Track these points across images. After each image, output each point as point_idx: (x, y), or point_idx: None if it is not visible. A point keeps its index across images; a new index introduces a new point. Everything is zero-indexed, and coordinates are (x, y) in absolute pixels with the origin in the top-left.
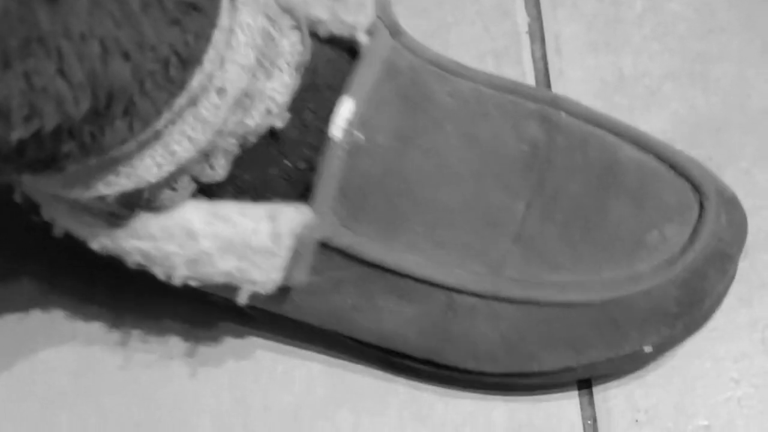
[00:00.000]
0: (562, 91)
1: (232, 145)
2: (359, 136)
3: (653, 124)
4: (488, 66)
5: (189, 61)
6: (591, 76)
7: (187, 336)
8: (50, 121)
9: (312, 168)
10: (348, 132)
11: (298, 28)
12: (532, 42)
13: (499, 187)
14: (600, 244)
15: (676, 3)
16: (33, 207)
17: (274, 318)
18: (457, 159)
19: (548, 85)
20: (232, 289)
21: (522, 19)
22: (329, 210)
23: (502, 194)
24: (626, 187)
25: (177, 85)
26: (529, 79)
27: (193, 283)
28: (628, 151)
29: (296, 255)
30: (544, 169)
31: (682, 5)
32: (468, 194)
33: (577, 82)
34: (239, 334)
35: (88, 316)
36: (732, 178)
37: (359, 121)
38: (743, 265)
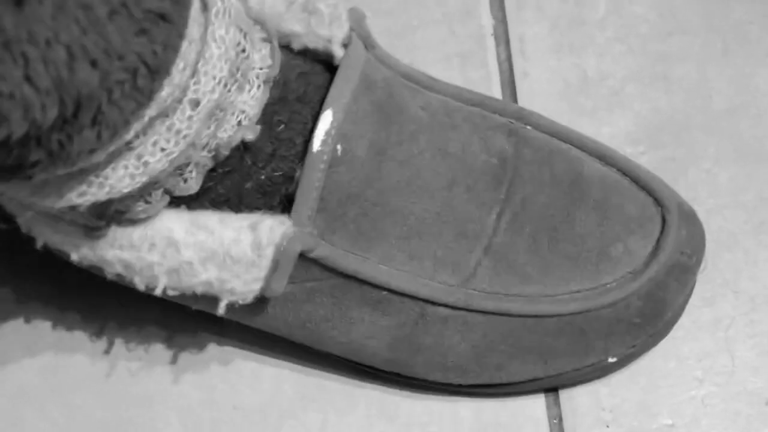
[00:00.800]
0: (527, 92)
1: (204, 158)
2: (338, 148)
3: (616, 125)
4: (454, 68)
5: (157, 72)
6: (555, 77)
7: (155, 335)
8: (18, 127)
9: (286, 180)
10: (327, 144)
11: (268, 40)
12: (497, 44)
13: (470, 199)
14: (567, 256)
15: (638, 5)
16: (5, 217)
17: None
18: (430, 171)
19: (513, 87)
20: (210, 299)
21: (487, 21)
22: (308, 221)
23: (473, 206)
24: (591, 200)
25: (146, 96)
26: (495, 80)
27: (171, 293)
28: (592, 165)
29: (276, 266)
30: (512, 182)
31: (644, 7)
32: (440, 206)
33: (541, 83)
34: (208, 334)
35: (57, 315)
36: (694, 178)
37: (338, 133)
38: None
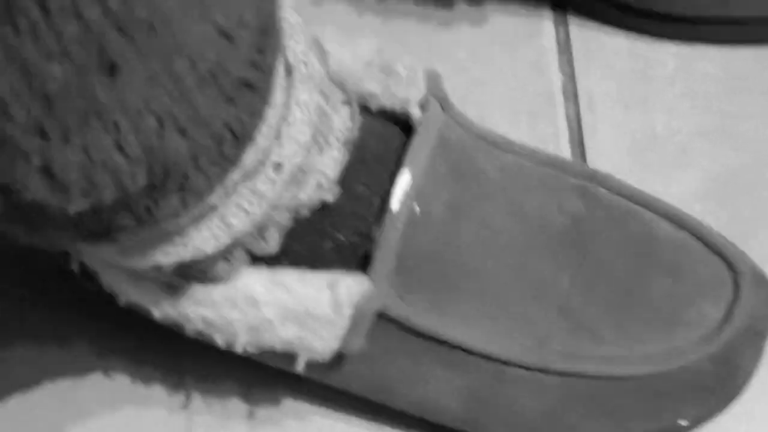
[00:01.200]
0: (596, 148)
1: (285, 218)
2: (416, 207)
3: (684, 182)
4: (522, 124)
5: (243, 138)
6: (623, 133)
7: (231, 390)
8: (108, 194)
9: (365, 240)
10: (405, 204)
11: (348, 103)
12: (566, 100)
13: (544, 260)
14: (641, 318)
15: (706, 62)
16: (88, 274)
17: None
18: (506, 231)
19: (582, 142)
20: (287, 357)
21: (556, 77)
22: (386, 281)
23: (548, 266)
24: (664, 263)
25: (231, 161)
26: (563, 136)
27: (251, 350)
28: (664, 227)
29: (354, 324)
30: (586, 243)
31: (712, 65)
32: (516, 266)
33: (609, 140)
34: (284, 389)
35: (135, 369)
36: (764, 238)
37: (416, 193)
38: None
